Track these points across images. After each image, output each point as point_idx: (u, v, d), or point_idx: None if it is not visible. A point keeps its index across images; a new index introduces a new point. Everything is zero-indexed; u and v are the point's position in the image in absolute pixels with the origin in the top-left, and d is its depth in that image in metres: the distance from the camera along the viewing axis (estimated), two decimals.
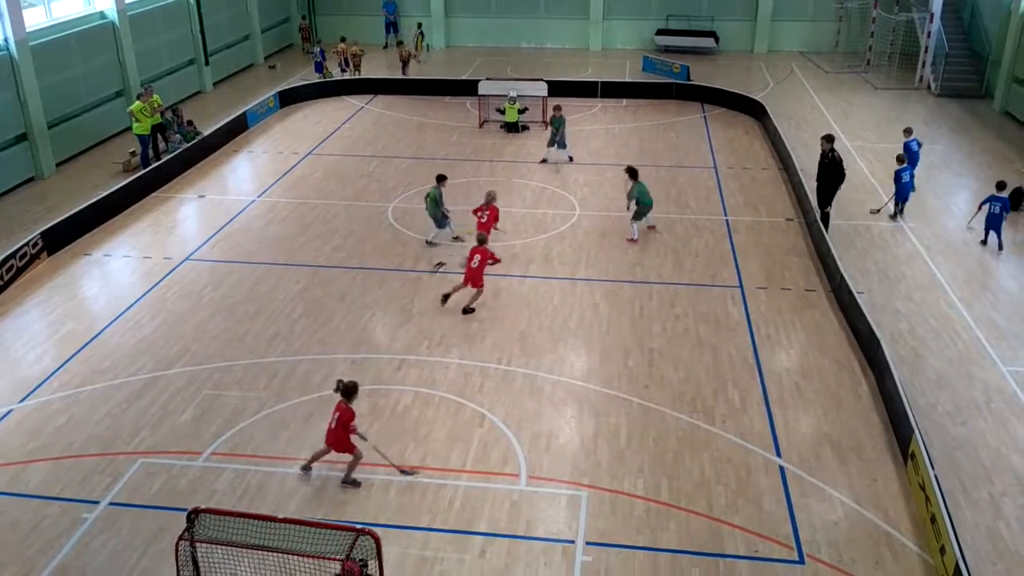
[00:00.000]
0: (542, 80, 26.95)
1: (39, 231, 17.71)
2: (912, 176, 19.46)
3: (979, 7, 30.33)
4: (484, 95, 26.61)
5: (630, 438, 12.10)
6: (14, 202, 20.88)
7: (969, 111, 27.56)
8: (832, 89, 30.48)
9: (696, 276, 16.90)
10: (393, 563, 9.78)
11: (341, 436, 10.94)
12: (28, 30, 21.67)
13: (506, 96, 26.03)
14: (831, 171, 18.24)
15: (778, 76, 32.45)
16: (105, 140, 25.00)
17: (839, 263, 16.11)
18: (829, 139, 18.45)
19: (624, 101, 29.31)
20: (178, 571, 8.65)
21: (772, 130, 24.77)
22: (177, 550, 8.57)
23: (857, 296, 14.96)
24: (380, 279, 16.83)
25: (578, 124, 26.36)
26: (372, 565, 8.43)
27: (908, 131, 21.05)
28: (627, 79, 31.85)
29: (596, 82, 30.09)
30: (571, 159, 23.26)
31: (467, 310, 15.45)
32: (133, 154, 23.08)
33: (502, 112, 26.04)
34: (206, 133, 24.43)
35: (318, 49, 32.44)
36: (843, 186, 18.55)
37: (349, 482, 11.11)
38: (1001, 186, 18.01)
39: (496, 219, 17.23)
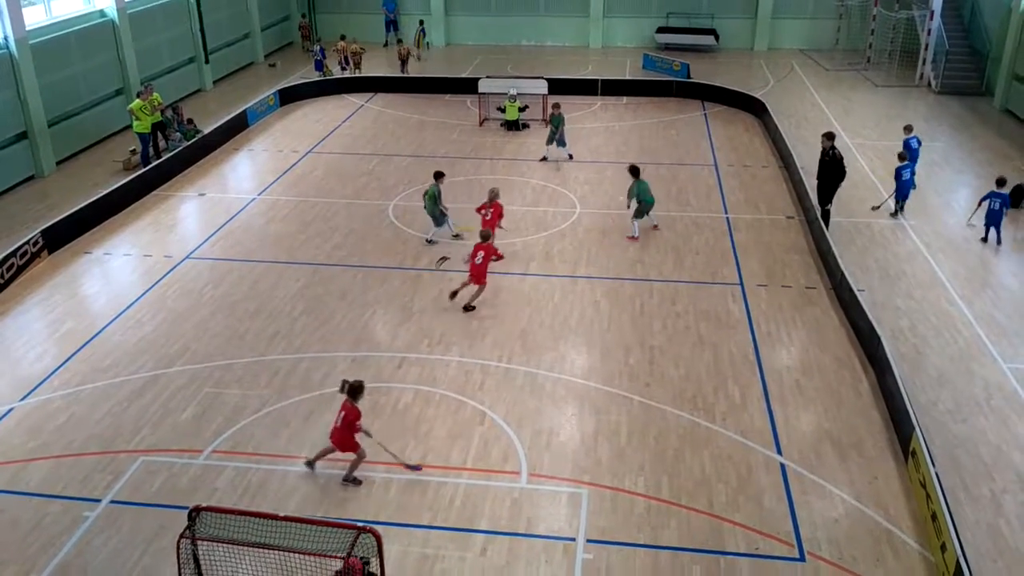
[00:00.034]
0: (542, 78, 26.93)
1: (39, 229, 17.71)
2: (912, 174, 19.46)
3: (979, 4, 30.32)
4: (484, 93, 26.60)
5: (631, 436, 12.10)
6: (14, 200, 20.88)
7: (969, 108, 27.55)
8: (832, 87, 30.47)
9: (697, 274, 16.90)
10: (394, 561, 9.79)
11: (346, 435, 10.95)
12: (28, 28, 21.67)
13: (506, 94, 26.01)
14: (832, 169, 18.23)
15: (778, 74, 32.44)
16: (105, 138, 25.00)
17: (840, 260, 16.11)
18: (830, 137, 18.44)
19: (624, 99, 29.31)
20: (179, 569, 8.65)
21: (772, 128, 24.76)
22: (178, 548, 8.58)
23: (858, 293, 14.96)
24: (381, 277, 16.83)
25: (578, 122, 26.36)
26: (373, 563, 8.44)
27: (908, 128, 21.06)
28: (627, 77, 31.84)
29: (596, 80, 30.08)
30: (571, 157, 23.26)
31: (468, 308, 15.45)
32: (133, 152, 23.07)
33: (503, 110, 26.03)
34: (206, 131, 24.42)
35: (318, 47, 32.45)
36: (844, 184, 18.54)
37: (350, 480, 11.12)
38: (1001, 182, 18.01)
39: (501, 216, 17.24)
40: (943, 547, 9.55)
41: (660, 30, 36.08)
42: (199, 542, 8.51)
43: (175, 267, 17.37)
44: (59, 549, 10.13)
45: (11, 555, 10.07)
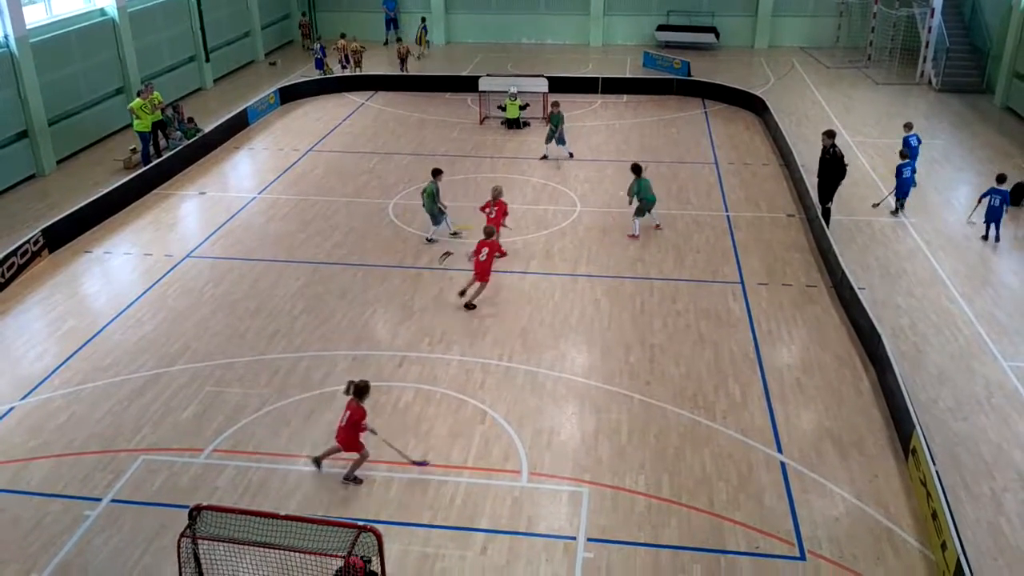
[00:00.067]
0: (543, 76, 26.92)
1: (40, 228, 17.71)
2: (913, 171, 19.45)
3: (980, 2, 30.29)
4: (484, 91, 26.58)
5: (631, 434, 12.10)
6: (15, 199, 20.88)
7: (970, 106, 27.53)
8: (833, 84, 30.45)
9: (697, 272, 16.89)
10: (395, 560, 9.79)
11: (351, 434, 10.96)
12: (28, 27, 21.67)
13: (507, 92, 25.99)
14: (832, 167, 18.22)
15: (779, 72, 32.41)
16: (106, 137, 25.00)
17: (840, 259, 16.11)
18: (830, 135, 18.43)
19: (625, 97, 29.30)
20: (180, 568, 8.65)
21: (773, 126, 24.75)
22: (179, 547, 8.58)
23: (858, 292, 14.95)
24: (381, 276, 16.83)
25: (579, 120, 26.36)
26: (374, 562, 8.44)
27: (908, 126, 21.06)
28: (628, 75, 31.82)
29: (597, 78, 30.05)
30: (571, 155, 23.25)
31: (469, 306, 15.45)
32: (134, 151, 23.07)
33: (503, 109, 26.01)
34: (207, 130, 24.41)
35: (318, 46, 32.43)
36: (844, 182, 18.53)
37: (351, 479, 11.12)
38: (1001, 179, 18.00)
39: (505, 214, 17.24)
40: (943, 545, 9.55)
41: (660, 28, 36.06)
42: (200, 541, 8.51)
43: (175, 266, 17.37)
44: (60, 548, 10.15)
45: (12, 554, 10.08)
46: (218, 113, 26.65)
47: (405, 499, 10.90)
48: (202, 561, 8.62)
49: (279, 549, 8.30)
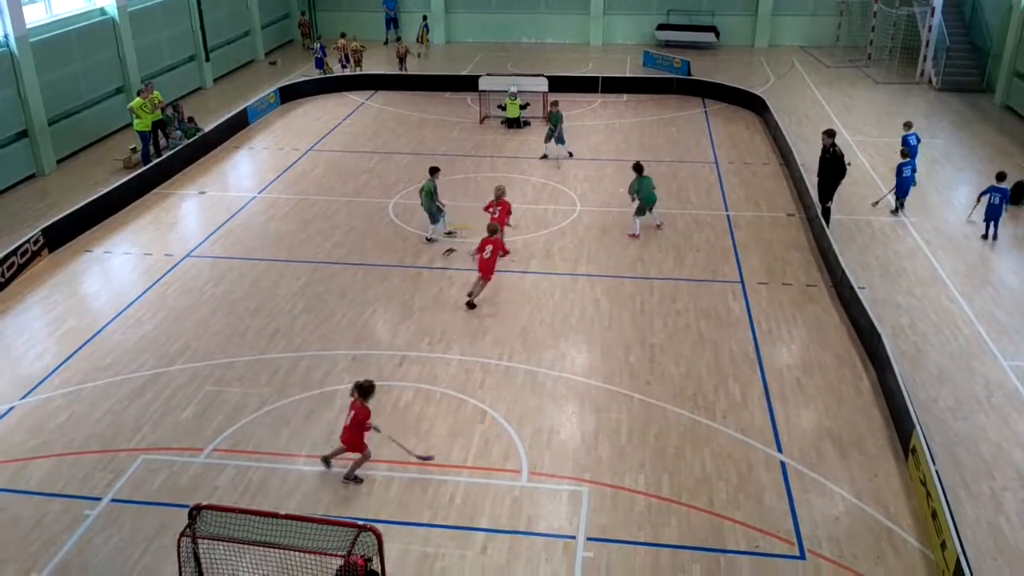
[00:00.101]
0: (543, 75, 26.92)
1: (40, 228, 17.71)
2: (913, 171, 19.44)
3: (980, 1, 30.28)
4: (484, 91, 26.58)
5: (631, 434, 12.10)
6: (15, 199, 20.88)
7: (970, 105, 27.52)
8: (833, 84, 30.45)
9: (697, 271, 16.89)
10: (395, 559, 9.79)
11: (356, 434, 10.96)
12: (28, 26, 21.66)
13: (507, 92, 25.98)
14: (832, 166, 18.22)
15: (779, 71, 32.41)
16: (106, 136, 25.00)
17: (840, 258, 16.10)
18: (830, 134, 18.42)
19: (625, 96, 29.29)
20: (180, 568, 8.65)
21: (773, 125, 24.74)
22: (179, 547, 8.58)
23: (858, 291, 14.95)
24: (381, 275, 16.83)
25: (579, 119, 26.36)
26: (374, 561, 8.44)
27: (908, 125, 21.07)
28: (628, 74, 31.83)
29: (597, 77, 30.05)
30: (571, 155, 23.24)
31: (470, 304, 15.43)
32: (134, 151, 23.07)
33: (503, 108, 26.01)
34: (207, 129, 24.41)
35: (318, 45, 32.43)
36: (844, 181, 18.53)
37: (351, 479, 11.13)
38: (1001, 177, 18.00)
39: (509, 213, 17.22)
40: (943, 545, 9.55)
41: (660, 27, 36.05)
42: (200, 540, 8.52)
43: (175, 265, 17.37)
44: (60, 547, 10.15)
45: (12, 553, 10.08)
46: (218, 112, 26.64)
47: (405, 498, 10.90)
48: (202, 560, 8.62)
49: (279, 548, 8.30)
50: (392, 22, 37.63)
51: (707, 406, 12.72)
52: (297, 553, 8.27)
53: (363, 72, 31.59)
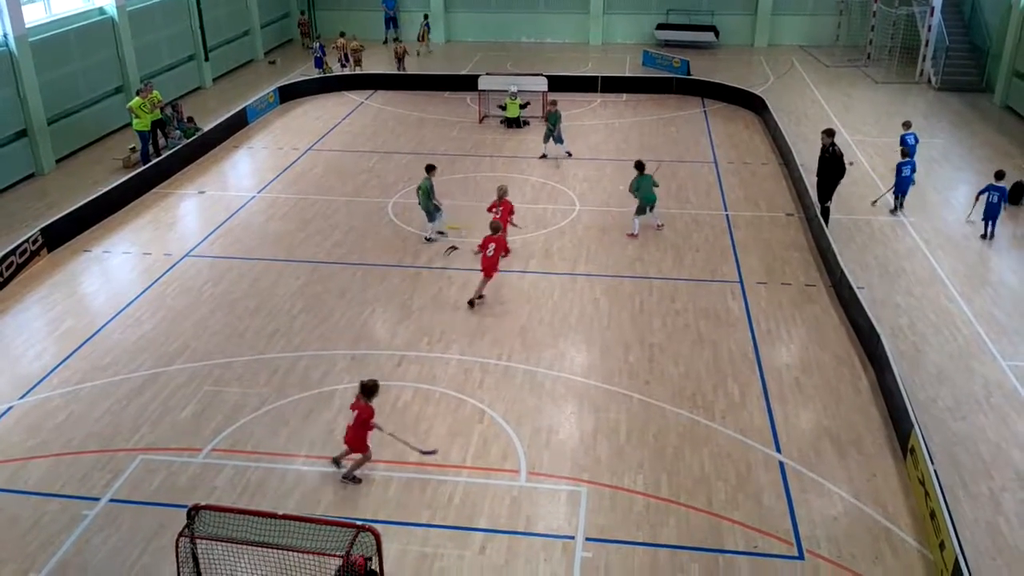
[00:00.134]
0: (542, 75, 26.91)
1: (39, 227, 17.71)
2: (913, 170, 19.43)
3: (979, 1, 30.27)
4: (484, 90, 26.58)
5: (630, 434, 12.10)
6: (14, 199, 20.88)
7: (969, 105, 27.52)
8: (832, 83, 30.44)
9: (696, 271, 16.89)
10: (393, 559, 9.79)
11: (359, 433, 10.94)
12: (27, 26, 21.65)
13: (506, 91, 25.97)
14: (831, 166, 18.21)
15: (778, 70, 32.40)
16: (105, 136, 25.00)
17: (839, 258, 16.10)
18: (830, 133, 18.42)
19: (624, 96, 29.29)
20: (178, 568, 8.66)
21: (772, 125, 24.74)
22: (177, 547, 8.58)
23: (857, 291, 14.95)
24: (380, 275, 16.83)
25: (578, 119, 26.36)
26: (374, 560, 8.44)
27: (906, 125, 21.08)
28: (627, 74, 31.83)
29: (596, 77, 30.05)
30: (569, 154, 23.22)
31: (471, 302, 15.41)
32: (133, 150, 23.06)
33: (504, 108, 26.00)
34: (206, 129, 24.40)
35: (318, 44, 32.42)
36: (843, 181, 18.52)
37: (350, 478, 11.12)
38: (1000, 175, 18.01)
39: (511, 213, 17.20)
40: (942, 545, 9.55)
41: (660, 27, 36.05)
42: (198, 541, 8.52)
43: (174, 265, 17.37)
44: (58, 547, 10.14)
45: (10, 553, 10.08)
46: (217, 112, 26.63)
47: (404, 498, 10.90)
48: (200, 561, 8.63)
49: (277, 549, 8.30)
50: (391, 21, 37.61)
51: (706, 406, 12.72)
52: (295, 553, 8.27)
53: (363, 71, 31.57)
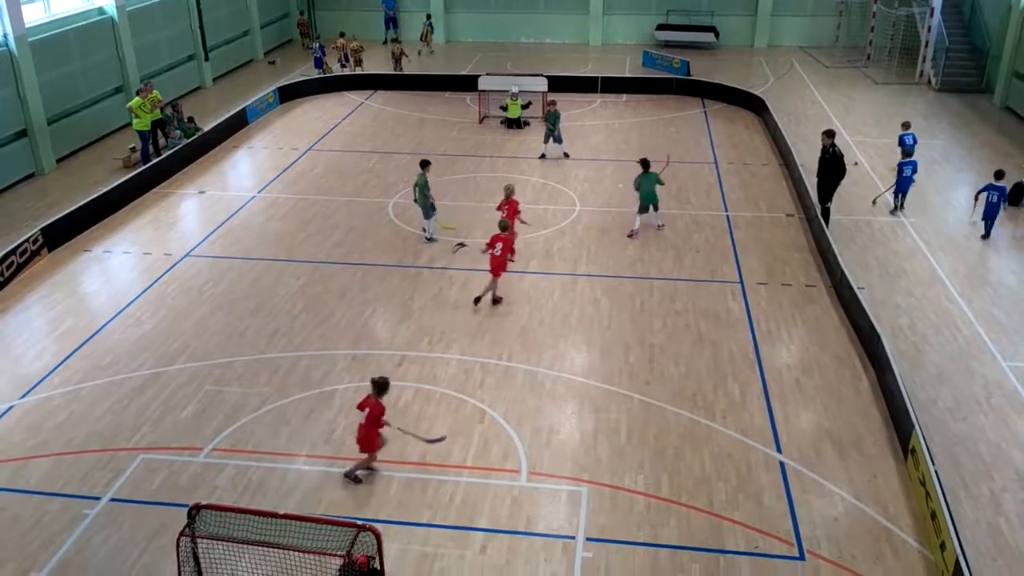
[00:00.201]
0: (542, 75, 26.92)
1: (39, 227, 17.70)
2: (914, 170, 19.43)
3: (979, 1, 30.30)
4: (484, 91, 26.58)
5: (630, 434, 12.11)
6: (14, 198, 20.87)
7: (969, 106, 27.54)
8: (832, 84, 30.45)
9: (696, 272, 16.90)
10: (394, 559, 9.79)
11: (371, 431, 10.91)
12: (27, 26, 21.65)
13: (507, 92, 25.96)
14: (832, 166, 18.22)
15: (778, 71, 32.41)
16: (105, 136, 24.99)
17: (840, 258, 16.11)
18: (830, 134, 18.43)
19: (624, 96, 29.30)
20: (179, 567, 8.66)
21: (772, 125, 24.75)
22: (178, 546, 8.59)
23: (858, 292, 14.96)
24: (380, 275, 16.83)
25: (578, 120, 26.37)
26: (375, 560, 8.44)
27: (905, 125, 21.12)
28: (627, 74, 31.83)
29: (596, 77, 30.05)
30: (567, 155, 23.15)
31: (478, 300, 15.40)
32: (133, 150, 23.06)
33: (505, 108, 26.00)
34: (206, 129, 24.40)
35: (317, 44, 32.42)
36: (843, 181, 18.53)
37: (352, 477, 11.12)
38: (999, 175, 18.02)
39: (517, 212, 17.15)
40: (942, 545, 9.55)
41: (660, 27, 36.06)
42: (199, 540, 8.52)
43: (175, 265, 17.37)
44: (59, 547, 10.14)
45: (11, 552, 10.07)
46: (217, 112, 26.63)
47: (404, 498, 10.90)
48: (201, 560, 8.63)
49: (278, 548, 8.31)
50: (391, 21, 37.60)
51: (706, 406, 12.72)
52: (296, 553, 8.28)
53: (363, 72, 31.56)
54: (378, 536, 8.25)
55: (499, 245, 15.15)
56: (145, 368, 13.80)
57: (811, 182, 19.25)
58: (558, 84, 27.62)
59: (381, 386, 10.96)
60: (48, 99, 22.47)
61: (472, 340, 14.51)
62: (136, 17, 26.47)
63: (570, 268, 17.03)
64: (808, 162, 20.59)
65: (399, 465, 11.41)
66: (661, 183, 18.44)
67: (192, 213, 20.21)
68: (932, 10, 29.59)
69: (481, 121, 26.47)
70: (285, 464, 11.54)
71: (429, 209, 17.91)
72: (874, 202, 19.79)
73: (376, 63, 33.34)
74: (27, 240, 17.14)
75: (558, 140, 23.05)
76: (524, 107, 25.97)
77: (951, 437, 12.00)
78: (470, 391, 13.11)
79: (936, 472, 10.23)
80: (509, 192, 17.22)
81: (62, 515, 10.64)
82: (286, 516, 8.47)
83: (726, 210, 19.84)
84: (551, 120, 23.00)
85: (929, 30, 29.89)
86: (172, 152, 22.74)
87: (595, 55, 35.42)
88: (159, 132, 23.45)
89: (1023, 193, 19.53)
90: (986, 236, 17.94)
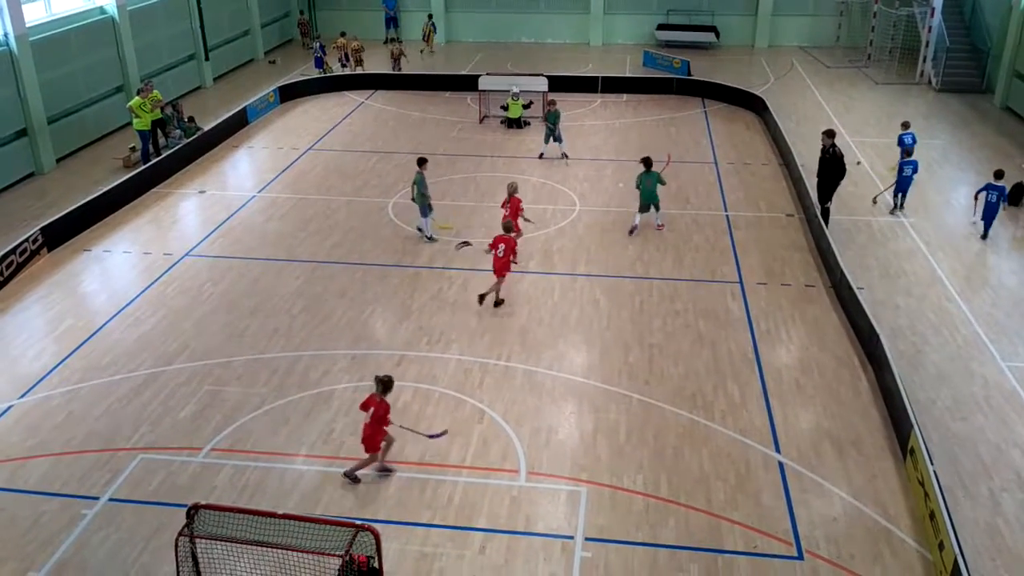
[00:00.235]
0: (542, 75, 26.91)
1: (39, 227, 17.70)
2: (914, 170, 19.41)
3: (980, 2, 30.27)
4: (484, 90, 26.58)
5: (629, 434, 12.10)
6: (14, 198, 20.88)
7: (970, 106, 27.52)
8: (833, 84, 30.44)
9: (696, 272, 16.89)
10: (393, 559, 9.79)
11: (376, 431, 10.89)
12: (28, 25, 21.65)
13: (508, 92, 25.94)
14: (832, 166, 18.22)
15: (779, 71, 32.40)
16: (105, 135, 25.00)
17: (839, 259, 16.10)
18: (830, 134, 18.42)
19: (624, 96, 29.29)
20: (178, 567, 8.66)
21: (773, 125, 24.74)
22: (177, 546, 8.59)
23: (857, 292, 14.95)
24: (380, 275, 16.83)
25: (578, 119, 26.37)
26: (374, 559, 8.44)
27: (905, 125, 21.11)
28: (627, 74, 31.82)
29: (596, 77, 30.05)
30: (565, 156, 23.05)
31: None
32: (133, 150, 23.06)
33: (506, 109, 25.99)
34: (206, 128, 24.40)
35: (318, 44, 32.42)
36: (843, 182, 18.53)
37: (351, 477, 11.12)
38: (999, 175, 18.01)
39: (519, 211, 17.15)
40: (941, 545, 9.55)
41: (660, 27, 36.05)
42: (198, 540, 8.52)
43: (174, 264, 17.37)
44: (57, 547, 10.14)
45: (9, 552, 10.08)
46: (217, 112, 26.63)
47: (403, 498, 10.90)
48: (200, 560, 8.63)
49: (277, 548, 8.31)
50: (392, 21, 37.60)
51: (706, 406, 12.72)
52: (295, 553, 8.28)
53: (363, 71, 31.56)
54: (377, 536, 8.25)
55: (502, 246, 15.14)
56: (144, 368, 13.80)
57: (811, 182, 19.24)
58: (558, 84, 27.62)
59: (386, 384, 10.93)
60: (48, 98, 22.48)
61: (471, 340, 14.51)
62: (137, 17, 26.48)
63: (570, 268, 17.03)
64: (808, 162, 20.58)
65: (398, 465, 11.40)
66: (663, 183, 18.45)
67: (192, 213, 20.21)
68: (933, 10, 29.58)
69: (481, 121, 26.47)
70: (284, 464, 11.54)
71: (426, 208, 17.90)
72: (874, 200, 19.79)
73: (376, 63, 33.34)
74: (27, 240, 17.15)
75: (558, 139, 23.05)
76: (525, 107, 25.97)
77: (950, 437, 12.00)
78: (469, 391, 13.11)
79: (935, 472, 10.22)
80: (512, 190, 17.21)
81: (61, 515, 10.64)
82: (285, 516, 8.47)
83: (726, 210, 19.84)
84: (551, 120, 23.01)
85: (930, 30, 29.88)
86: (172, 152, 22.75)
87: (595, 55, 35.41)
88: (159, 132, 23.45)
89: (1023, 193, 19.52)
90: (984, 236, 17.94)
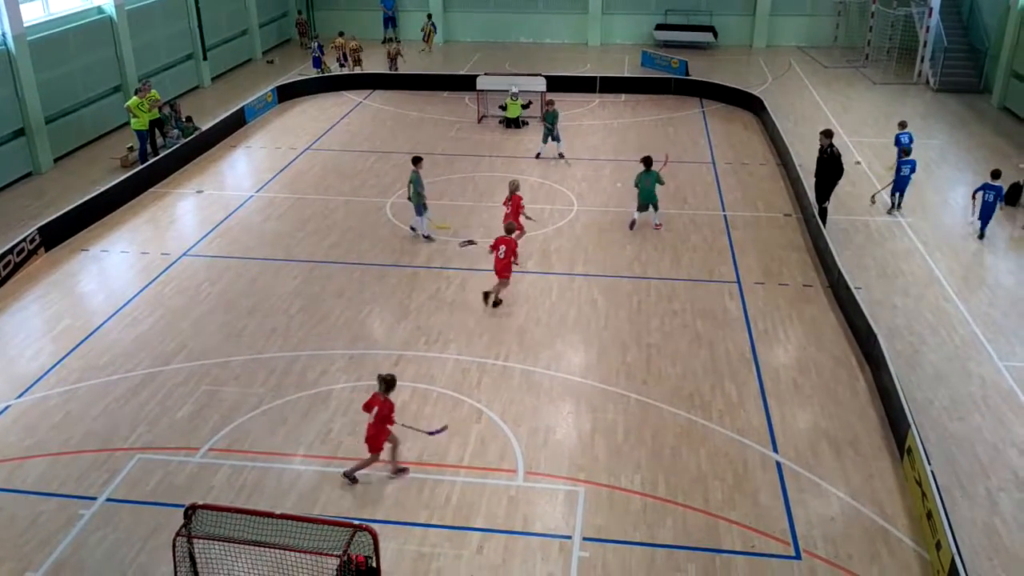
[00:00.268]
0: (541, 75, 26.92)
1: (36, 227, 17.68)
2: (912, 170, 19.43)
3: (978, 2, 30.30)
4: (482, 90, 26.58)
5: (627, 434, 12.11)
6: (11, 198, 20.85)
7: (967, 106, 27.55)
8: (830, 84, 30.46)
9: (694, 271, 16.90)
10: (390, 559, 9.79)
11: (380, 430, 10.86)
12: (26, 25, 21.63)
13: (506, 91, 25.94)
14: (829, 166, 18.23)
15: (776, 71, 32.42)
16: (103, 135, 24.98)
17: (837, 258, 16.11)
18: (828, 134, 18.43)
19: (623, 96, 29.30)
20: (175, 567, 8.65)
21: (770, 125, 24.75)
22: (174, 546, 8.57)
23: (855, 291, 14.96)
24: (378, 275, 16.82)
25: (576, 119, 26.37)
26: (371, 559, 8.44)
27: (902, 124, 21.13)
28: (626, 74, 31.83)
29: (595, 77, 30.05)
30: (562, 156, 23.03)
31: (487, 295, 15.37)
32: (131, 149, 23.04)
33: (504, 109, 25.99)
34: (204, 128, 24.39)
35: (316, 44, 32.41)
36: (841, 182, 18.54)
37: (350, 477, 11.11)
38: (996, 175, 18.02)
39: (520, 210, 17.13)
40: (938, 545, 9.56)
41: (659, 27, 36.06)
42: (195, 540, 8.51)
43: (172, 264, 17.36)
44: (55, 547, 10.14)
45: (7, 552, 10.07)
46: (215, 111, 26.62)
47: (401, 498, 10.90)
48: (197, 560, 8.62)
49: (275, 548, 8.30)
50: (390, 21, 37.58)
51: (703, 406, 12.73)
52: (293, 553, 8.27)
53: (361, 71, 31.56)
54: (375, 536, 8.25)
55: (503, 247, 15.14)
56: (142, 368, 13.79)
57: (809, 182, 19.26)
58: (557, 84, 27.63)
59: (389, 383, 10.90)
60: (46, 98, 22.46)
61: (469, 340, 14.51)
62: (135, 16, 26.46)
63: (567, 268, 17.03)
64: (806, 162, 20.60)
65: (398, 465, 11.39)
66: (661, 182, 18.46)
67: (190, 212, 20.20)
68: (930, 10, 29.60)
69: (480, 121, 26.47)
70: (282, 464, 11.54)
71: (421, 207, 17.89)
72: (872, 199, 19.80)
73: (375, 62, 33.30)
74: (24, 239, 17.13)
75: (556, 139, 23.06)
76: (524, 107, 25.96)
77: (947, 437, 12.01)
78: (467, 391, 13.11)
79: (932, 472, 10.24)
80: (513, 188, 17.20)
81: (58, 515, 10.63)
82: (282, 516, 8.46)
83: (724, 210, 19.85)
84: (549, 119, 23.00)
85: (927, 30, 29.90)
86: (170, 151, 22.73)
87: (594, 55, 35.42)
88: (157, 131, 23.43)
89: (1020, 193, 19.54)
90: (981, 236, 17.96)
